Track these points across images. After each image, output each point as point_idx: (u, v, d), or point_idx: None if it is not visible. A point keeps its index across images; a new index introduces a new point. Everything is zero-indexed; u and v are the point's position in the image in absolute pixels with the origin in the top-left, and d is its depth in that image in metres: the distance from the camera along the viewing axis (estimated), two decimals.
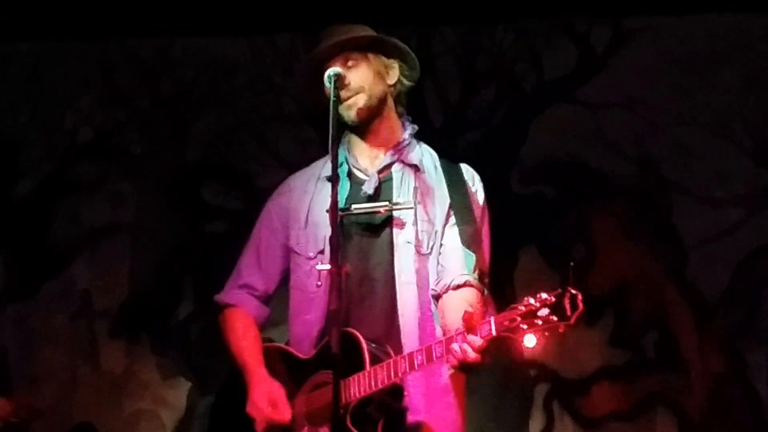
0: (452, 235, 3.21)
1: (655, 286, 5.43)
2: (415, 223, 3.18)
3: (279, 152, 5.66)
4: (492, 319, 2.77)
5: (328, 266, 2.85)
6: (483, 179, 3.35)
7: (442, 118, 5.69)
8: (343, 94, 3.18)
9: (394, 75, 3.31)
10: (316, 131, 5.38)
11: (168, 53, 5.93)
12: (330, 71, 3.11)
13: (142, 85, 5.93)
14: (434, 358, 2.85)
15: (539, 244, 5.45)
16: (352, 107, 3.22)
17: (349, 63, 3.24)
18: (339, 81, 3.11)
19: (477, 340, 2.77)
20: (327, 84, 3.10)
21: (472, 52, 5.77)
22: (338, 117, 3.13)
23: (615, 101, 5.58)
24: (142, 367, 5.54)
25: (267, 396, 3.12)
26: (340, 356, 2.76)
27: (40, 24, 5.72)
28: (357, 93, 3.22)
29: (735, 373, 5.31)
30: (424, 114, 5.55)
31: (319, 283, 3.12)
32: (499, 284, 4.37)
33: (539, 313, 2.70)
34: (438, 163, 3.35)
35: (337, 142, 3.00)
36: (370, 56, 3.28)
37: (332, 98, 3.05)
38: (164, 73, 5.92)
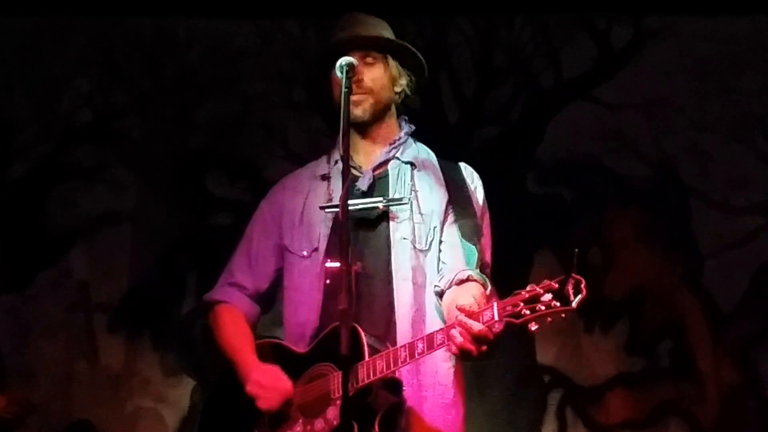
0: (452, 231, 3.21)
1: (670, 293, 5.42)
2: (411, 218, 3.20)
3: (287, 142, 5.60)
4: (495, 304, 2.80)
5: (337, 264, 2.83)
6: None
7: (458, 113, 5.65)
8: (354, 89, 3.14)
9: (402, 84, 3.33)
10: (326, 122, 5.27)
11: (171, 34, 5.81)
12: (342, 60, 3.05)
13: (144, 66, 5.80)
14: (435, 346, 2.88)
15: (554, 245, 5.40)
16: (357, 106, 3.20)
17: (368, 59, 3.25)
18: (352, 72, 3.06)
19: (477, 325, 2.79)
20: (339, 74, 3.04)
21: (489, 45, 5.73)
22: (334, 110, 3.13)
23: (633, 102, 5.56)
24: (142, 364, 5.48)
25: (265, 372, 3.15)
26: (348, 356, 2.77)
27: None
28: (366, 93, 3.23)
29: (749, 383, 5.32)
30: (439, 108, 5.56)
31: (328, 281, 3.13)
32: (512, 285, 4.33)
33: (542, 299, 2.72)
34: (436, 162, 3.36)
35: (348, 134, 2.97)
36: (390, 60, 3.29)
37: (344, 89, 3.00)
38: (167, 55, 5.80)
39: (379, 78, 3.25)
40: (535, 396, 5.36)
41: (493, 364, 5.06)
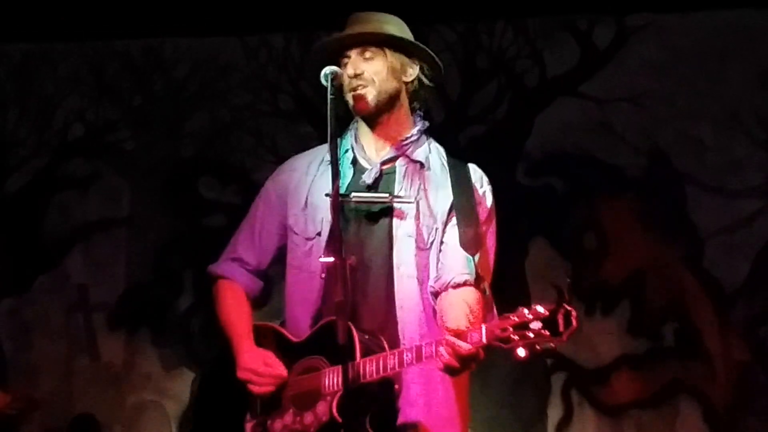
0: (453, 234, 3.18)
1: (671, 275, 5.49)
2: (417, 217, 3.17)
3: (276, 147, 5.66)
4: (483, 326, 2.78)
5: (331, 259, 2.86)
6: (487, 172, 3.32)
7: (443, 113, 5.68)
8: (355, 82, 3.18)
9: (412, 73, 3.27)
10: (314, 127, 5.45)
11: (159, 53, 5.97)
12: (327, 69, 3.04)
13: (133, 83, 5.97)
14: (423, 358, 2.86)
15: (549, 234, 5.50)
16: (358, 98, 3.20)
17: (367, 54, 3.21)
18: (337, 80, 3.08)
19: (465, 346, 2.78)
20: (324, 82, 3.03)
21: (471, 50, 5.79)
22: (341, 107, 3.15)
23: (620, 96, 5.63)
24: (143, 359, 5.56)
25: (259, 357, 3.13)
26: (345, 348, 2.79)
27: (29, 25, 5.74)
28: (367, 85, 3.19)
29: (759, 360, 5.38)
30: (424, 111, 5.55)
31: (323, 275, 3.12)
32: (509, 275, 4.34)
33: (531, 326, 2.68)
34: (445, 161, 3.31)
35: (335, 138, 2.99)
36: (388, 52, 3.23)
37: (329, 95, 3.00)
38: (156, 72, 5.95)
39: (378, 70, 3.20)
40: (538, 379, 5.40)
41: (495, 351, 5.12)
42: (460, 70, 5.78)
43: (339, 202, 3.04)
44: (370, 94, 3.20)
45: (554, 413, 5.41)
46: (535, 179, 5.62)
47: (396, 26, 3.31)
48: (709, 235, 5.51)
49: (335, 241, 2.90)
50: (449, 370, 2.84)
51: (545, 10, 5.67)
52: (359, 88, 3.19)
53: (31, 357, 5.59)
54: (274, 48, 5.89)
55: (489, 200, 3.28)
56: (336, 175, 2.97)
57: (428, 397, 3.09)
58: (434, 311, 3.14)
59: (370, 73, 3.20)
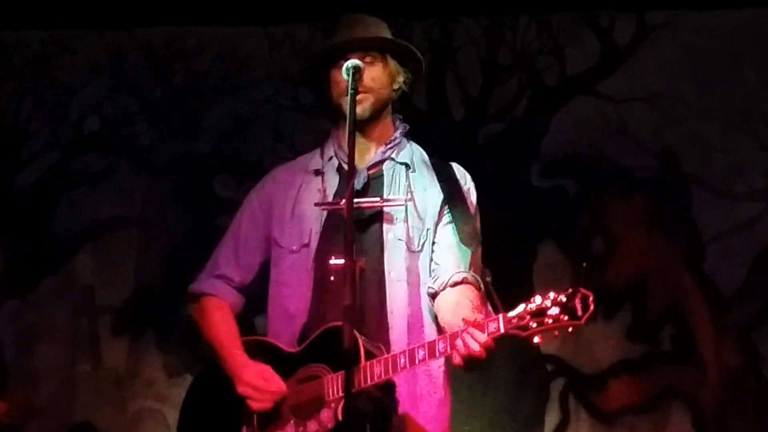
0: (446, 233, 3.23)
1: (672, 279, 5.46)
2: (406, 220, 3.20)
3: (294, 144, 5.56)
4: (501, 316, 2.79)
5: (342, 261, 2.84)
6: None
7: (464, 110, 5.67)
8: None
9: (399, 81, 3.33)
10: (333, 123, 5.31)
11: (181, 42, 5.86)
12: (349, 63, 3.08)
13: (153, 74, 5.86)
14: (437, 354, 2.86)
15: (558, 237, 5.48)
16: (358, 104, 3.17)
17: (367, 59, 3.22)
18: (358, 74, 3.08)
19: (483, 336, 2.78)
20: (345, 76, 3.07)
21: (495, 45, 5.77)
22: (345, 110, 3.12)
23: (637, 95, 5.61)
24: (146, 365, 5.48)
25: (257, 373, 3.11)
26: (351, 353, 2.79)
27: (47, 11, 5.64)
28: (366, 92, 3.21)
29: (750, 366, 5.35)
30: (445, 106, 5.60)
31: (332, 278, 3.06)
32: (517, 277, 4.26)
33: (549, 312, 2.72)
34: (428, 162, 3.36)
35: (353, 135, 2.99)
36: (389, 58, 3.29)
37: (350, 90, 3.03)
38: (176, 63, 5.86)
39: (378, 77, 3.24)
40: (538, 385, 5.39)
41: (496, 355, 5.10)
42: (482, 66, 5.76)
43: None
44: (368, 102, 3.25)
45: (551, 419, 5.40)
46: (549, 180, 5.59)
47: (389, 31, 3.35)
48: (712, 239, 5.48)
49: (347, 243, 2.87)
50: (469, 362, 2.83)
51: (570, 4, 5.66)
52: (358, 93, 3.16)
53: (33, 362, 5.51)
54: (298, 40, 5.79)
55: (474, 196, 3.34)
56: (352, 171, 2.97)
57: (418, 397, 3.12)
58: (423, 314, 3.17)
59: (369, 79, 3.22)
